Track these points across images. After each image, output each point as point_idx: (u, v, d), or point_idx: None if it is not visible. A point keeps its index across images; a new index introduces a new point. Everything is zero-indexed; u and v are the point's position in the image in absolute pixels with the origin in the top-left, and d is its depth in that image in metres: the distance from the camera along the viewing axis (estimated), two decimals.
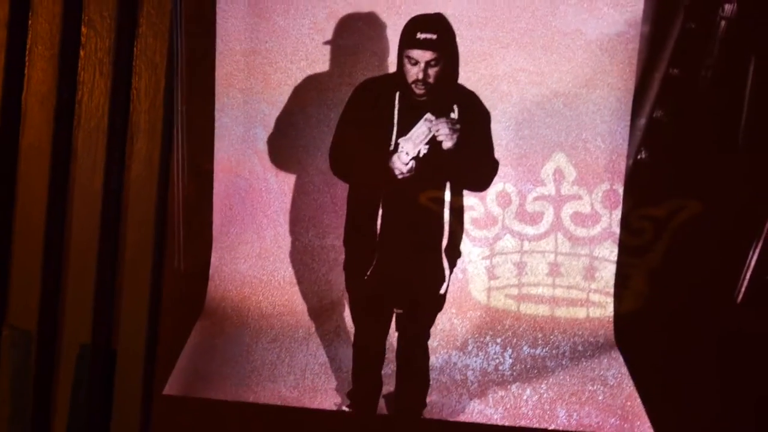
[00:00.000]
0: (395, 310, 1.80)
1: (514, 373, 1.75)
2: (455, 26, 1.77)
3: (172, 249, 1.89)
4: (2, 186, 2.00)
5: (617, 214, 1.72)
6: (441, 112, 1.73)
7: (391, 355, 1.80)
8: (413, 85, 1.73)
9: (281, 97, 1.86)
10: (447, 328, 1.79)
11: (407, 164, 1.73)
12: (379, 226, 1.76)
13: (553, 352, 1.75)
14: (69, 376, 1.95)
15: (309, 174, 1.86)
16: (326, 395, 1.82)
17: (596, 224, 1.74)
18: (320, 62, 1.85)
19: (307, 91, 1.86)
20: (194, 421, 1.88)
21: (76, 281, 1.96)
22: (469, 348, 1.78)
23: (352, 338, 1.83)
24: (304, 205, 1.87)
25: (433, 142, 1.72)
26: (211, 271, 1.90)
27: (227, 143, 1.89)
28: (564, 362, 1.75)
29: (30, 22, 2.00)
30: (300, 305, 1.86)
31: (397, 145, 1.74)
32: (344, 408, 1.81)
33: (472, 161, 1.75)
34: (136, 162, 1.94)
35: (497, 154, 1.77)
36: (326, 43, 1.84)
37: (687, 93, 1.67)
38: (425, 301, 1.80)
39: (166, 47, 1.92)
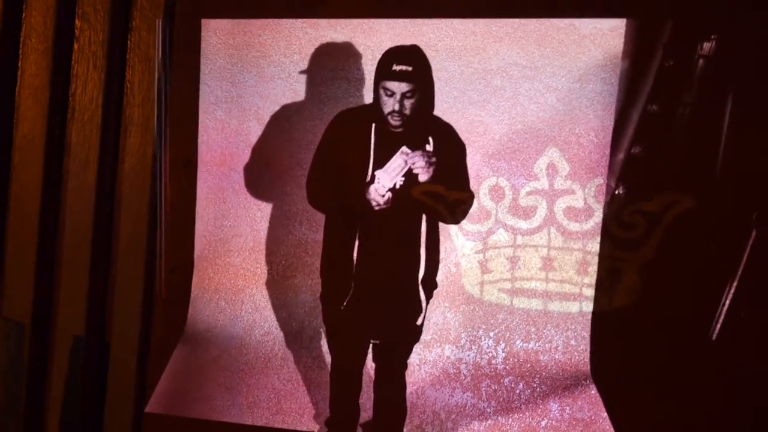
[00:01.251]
0: (372, 340, 1.82)
1: (507, 367, 1.76)
2: (447, 20, 1.78)
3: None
4: None
5: (610, 208, 1.72)
6: (416, 144, 1.76)
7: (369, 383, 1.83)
8: (389, 117, 1.75)
9: (274, 90, 1.86)
10: (440, 321, 1.79)
11: (383, 196, 1.76)
12: (355, 257, 1.78)
13: (546, 346, 1.76)
14: (63, 367, 1.96)
15: (287, 203, 1.87)
16: (306, 422, 1.85)
17: (589, 219, 1.74)
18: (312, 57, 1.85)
19: (284, 119, 1.87)
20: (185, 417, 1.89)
21: (70, 273, 1.96)
22: (462, 342, 1.78)
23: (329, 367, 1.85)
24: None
25: (409, 174, 1.76)
26: (204, 264, 1.90)
27: (221, 136, 1.89)
28: (557, 356, 1.75)
29: (24, 14, 2.00)
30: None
31: (373, 176, 1.77)
32: None
33: (447, 193, 1.77)
34: (129, 155, 1.94)
35: (490, 149, 1.77)
36: (302, 72, 1.85)
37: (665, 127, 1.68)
38: (402, 332, 1.81)
39: (159, 40, 1.92)
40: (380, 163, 1.77)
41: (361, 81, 1.83)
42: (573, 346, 1.75)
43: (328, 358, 1.85)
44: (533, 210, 1.76)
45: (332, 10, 1.83)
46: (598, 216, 1.73)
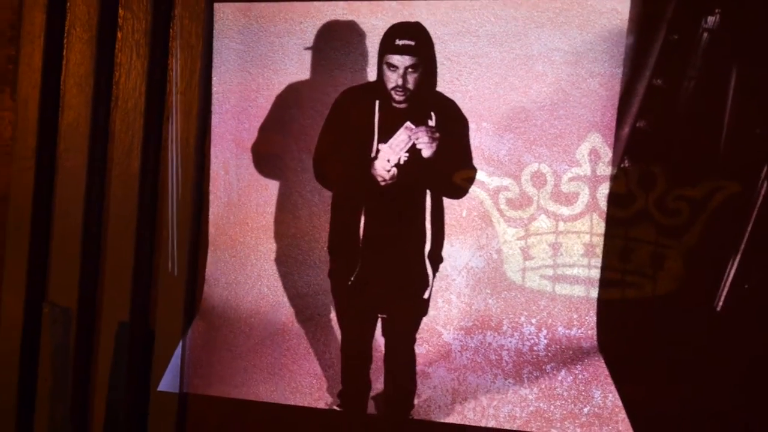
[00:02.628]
0: (380, 315, 1.84)
1: (549, 354, 1.76)
2: (488, 5, 1.77)
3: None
4: (42, 166, 2.03)
5: (653, 194, 1.71)
6: (420, 120, 1.80)
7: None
8: (393, 92, 1.80)
9: (286, 69, 1.90)
10: (482, 308, 1.79)
11: (389, 171, 1.80)
12: (362, 233, 1.82)
13: (588, 332, 1.75)
14: (108, 353, 1.98)
15: (292, 182, 1.90)
16: (319, 395, 1.89)
17: (632, 204, 1.73)
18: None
19: (289, 98, 1.90)
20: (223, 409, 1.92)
21: (115, 260, 1.99)
22: (504, 328, 1.78)
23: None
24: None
25: (413, 150, 1.79)
26: (218, 241, 1.93)
27: (233, 117, 1.94)
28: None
29: (68, 4, 2.02)
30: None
31: (378, 151, 1.80)
32: (335, 407, 1.87)
33: (450, 168, 1.80)
34: (173, 143, 1.96)
35: (532, 135, 1.76)
36: (307, 48, 1.88)
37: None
38: (409, 306, 1.84)
39: (201, 28, 1.94)
40: (384, 139, 1.81)
41: (365, 59, 1.86)
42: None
43: (338, 333, 1.88)
44: (575, 196, 1.75)
45: None
46: (640, 202, 1.72)
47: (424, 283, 1.82)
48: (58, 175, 2.02)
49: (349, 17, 1.86)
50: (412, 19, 1.82)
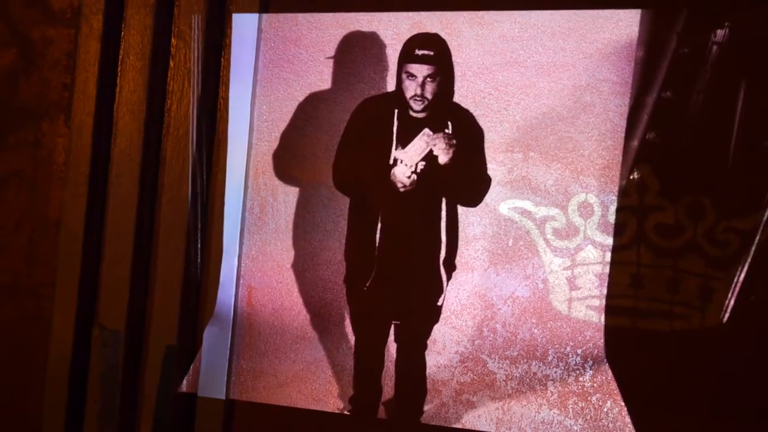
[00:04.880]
0: (393, 321, 1.87)
1: (595, 385, 1.75)
2: (537, 35, 1.78)
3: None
4: (94, 191, 2.07)
5: (702, 226, 1.70)
6: (437, 129, 1.83)
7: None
8: (411, 101, 1.84)
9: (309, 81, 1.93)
10: (527, 338, 1.79)
11: (409, 177, 1.83)
12: (378, 239, 1.85)
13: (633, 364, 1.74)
14: (155, 376, 2.01)
15: (313, 187, 1.95)
16: (330, 400, 1.92)
17: (680, 236, 1.72)
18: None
19: (310, 107, 1.95)
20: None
21: (163, 285, 2.02)
22: (550, 358, 1.78)
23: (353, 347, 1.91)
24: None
25: (429, 158, 1.83)
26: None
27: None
28: None
29: (122, 33, 2.07)
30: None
31: (395, 159, 1.84)
32: (346, 412, 1.89)
33: (466, 177, 1.83)
34: (221, 169, 2.00)
35: (579, 165, 1.76)
36: (329, 58, 1.93)
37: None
38: (422, 312, 1.86)
39: (252, 57, 1.97)
40: (402, 148, 1.85)
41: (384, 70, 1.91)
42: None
43: (351, 338, 1.90)
44: (623, 227, 1.75)
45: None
46: (689, 233, 1.71)
47: (438, 290, 1.84)
48: (110, 201, 2.06)
49: (393, 42, 1.89)
50: (461, 49, 1.84)
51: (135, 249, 2.04)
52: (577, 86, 1.77)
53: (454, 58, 1.85)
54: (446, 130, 1.84)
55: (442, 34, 1.86)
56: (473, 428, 1.81)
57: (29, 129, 2.16)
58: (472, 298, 1.84)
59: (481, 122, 1.83)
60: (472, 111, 1.84)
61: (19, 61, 2.18)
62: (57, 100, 2.14)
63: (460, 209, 1.84)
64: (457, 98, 1.85)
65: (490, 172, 1.82)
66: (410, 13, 1.88)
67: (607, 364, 1.74)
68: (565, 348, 1.77)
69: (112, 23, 2.07)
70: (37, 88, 2.16)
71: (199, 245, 2.00)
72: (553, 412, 1.76)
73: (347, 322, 1.91)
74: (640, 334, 1.72)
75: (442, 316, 1.85)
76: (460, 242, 1.84)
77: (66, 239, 2.08)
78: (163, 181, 2.03)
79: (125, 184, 2.05)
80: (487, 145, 1.83)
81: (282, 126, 1.97)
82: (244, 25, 1.99)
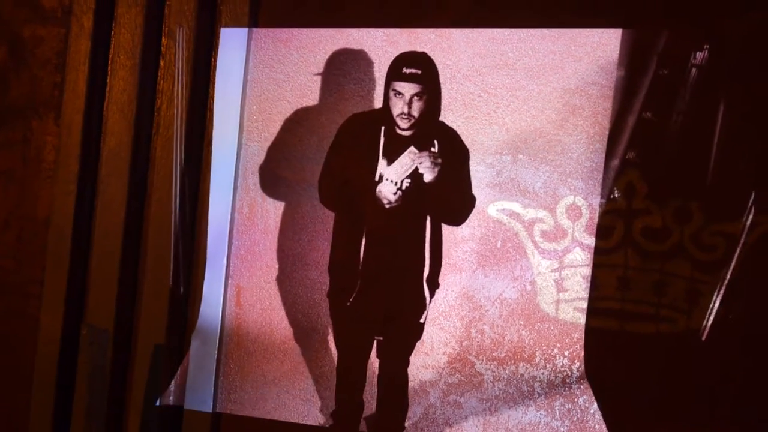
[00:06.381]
0: (376, 337, 1.88)
1: (582, 387, 1.75)
2: (526, 38, 1.79)
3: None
4: (83, 190, 2.07)
5: (689, 229, 1.71)
6: (423, 147, 1.84)
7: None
8: (398, 118, 1.84)
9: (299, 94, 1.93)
10: (515, 339, 1.80)
11: (395, 194, 1.84)
12: (362, 255, 1.86)
13: (620, 366, 1.75)
14: (143, 374, 2.01)
15: (298, 202, 1.95)
16: (313, 413, 1.92)
17: (667, 239, 1.73)
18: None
19: (296, 122, 1.96)
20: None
21: (152, 284, 2.02)
22: (537, 360, 1.78)
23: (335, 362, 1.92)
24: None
25: (415, 175, 1.84)
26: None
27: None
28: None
29: (113, 32, 2.07)
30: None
31: (381, 176, 1.85)
32: (328, 426, 1.89)
33: (450, 195, 1.84)
34: (210, 169, 1.99)
35: (568, 168, 1.77)
36: (317, 74, 1.94)
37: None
38: (405, 329, 1.87)
39: (242, 58, 1.97)
40: (388, 165, 1.86)
41: (373, 86, 1.91)
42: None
43: (335, 353, 1.91)
44: (610, 229, 1.76)
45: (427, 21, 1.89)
46: (676, 236, 1.72)
47: (421, 307, 1.85)
48: (99, 200, 2.06)
49: (388, 49, 1.89)
50: (450, 51, 1.85)
51: (123, 248, 2.04)
52: (565, 89, 1.78)
53: (444, 60, 1.86)
54: (432, 149, 1.84)
55: (432, 37, 1.86)
56: (460, 430, 1.81)
57: (19, 127, 2.16)
58: (460, 300, 1.84)
59: (470, 124, 1.84)
60: (461, 113, 1.84)
61: (9, 60, 2.18)
62: (47, 98, 2.13)
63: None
64: (446, 100, 1.86)
65: (479, 174, 1.83)
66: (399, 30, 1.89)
67: (593, 366, 1.75)
68: (553, 350, 1.78)
69: (102, 22, 2.07)
70: (27, 86, 2.16)
71: (187, 245, 2.00)
72: (540, 414, 1.77)
73: (330, 337, 1.92)
74: (627, 337, 1.73)
75: (429, 317, 1.86)
76: (449, 243, 1.85)
77: (55, 237, 2.08)
78: (153, 180, 2.03)
79: (114, 183, 2.04)
80: (476, 147, 1.84)
81: (272, 126, 1.97)
82: (233, 32, 1.99)
